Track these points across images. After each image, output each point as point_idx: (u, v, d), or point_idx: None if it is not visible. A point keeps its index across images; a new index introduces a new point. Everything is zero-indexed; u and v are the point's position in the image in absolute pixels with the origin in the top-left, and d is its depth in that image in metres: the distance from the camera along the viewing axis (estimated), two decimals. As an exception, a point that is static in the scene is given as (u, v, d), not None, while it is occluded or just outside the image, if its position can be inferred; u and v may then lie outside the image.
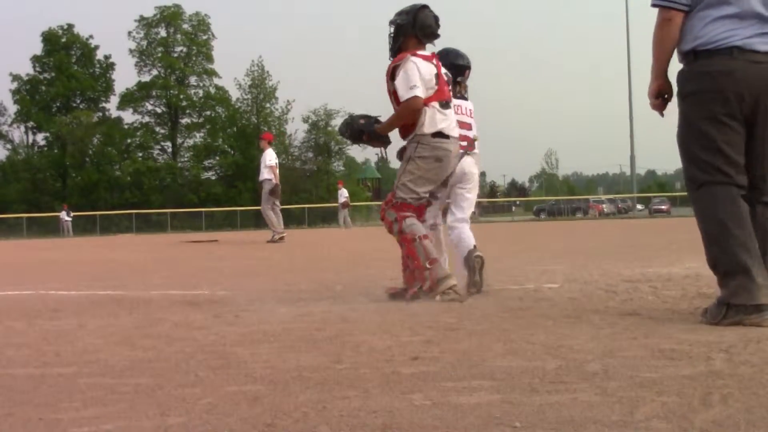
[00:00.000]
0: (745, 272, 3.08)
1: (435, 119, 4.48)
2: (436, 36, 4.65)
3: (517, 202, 69.13)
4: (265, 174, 14.54)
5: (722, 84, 3.19)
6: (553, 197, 57.85)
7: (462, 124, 4.91)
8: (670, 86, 3.44)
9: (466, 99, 5.17)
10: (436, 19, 4.63)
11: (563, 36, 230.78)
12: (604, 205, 49.64)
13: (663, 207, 48.32)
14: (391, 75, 4.57)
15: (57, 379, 2.52)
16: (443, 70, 4.63)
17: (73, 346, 3.21)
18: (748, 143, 3.27)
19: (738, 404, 1.94)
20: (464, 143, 4.94)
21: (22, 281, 7.42)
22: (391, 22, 4.65)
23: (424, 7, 4.63)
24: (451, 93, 4.71)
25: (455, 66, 5.02)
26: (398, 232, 4.43)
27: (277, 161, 14.86)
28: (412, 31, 4.55)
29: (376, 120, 4.75)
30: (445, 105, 4.54)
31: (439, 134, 4.49)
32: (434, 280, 4.27)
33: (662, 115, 3.50)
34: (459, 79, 5.07)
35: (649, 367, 2.41)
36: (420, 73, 4.43)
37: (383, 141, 4.78)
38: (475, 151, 5.13)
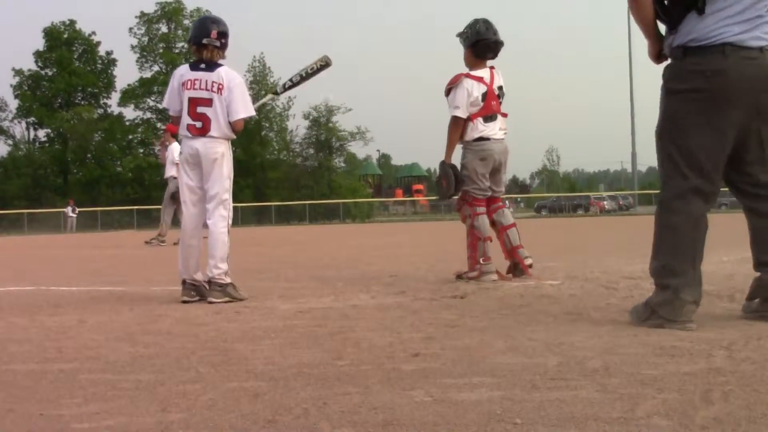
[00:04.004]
0: (675, 291, 3.09)
1: (476, 129, 5.34)
2: (493, 51, 5.36)
3: (519, 199, 69.05)
4: (172, 171, 12.60)
5: (715, 85, 3.08)
6: (554, 194, 57.74)
7: (200, 101, 4.64)
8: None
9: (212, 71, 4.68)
10: (494, 32, 5.31)
11: (564, 33, 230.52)
12: (605, 202, 49.49)
13: None
14: (447, 93, 5.44)
15: (58, 374, 2.53)
16: (497, 85, 5.39)
17: (74, 342, 3.22)
18: (749, 149, 3.18)
19: (739, 401, 1.94)
20: (198, 124, 4.64)
21: (24, 277, 7.42)
22: (458, 35, 5.44)
23: (482, 21, 5.35)
24: (499, 106, 5.41)
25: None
26: (470, 226, 5.38)
27: None
28: (470, 46, 5.34)
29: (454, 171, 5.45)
30: (488, 118, 5.36)
31: (481, 139, 5.34)
32: (481, 273, 5.26)
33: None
34: (205, 41, 4.66)
35: (650, 364, 2.41)
36: (467, 96, 5.30)
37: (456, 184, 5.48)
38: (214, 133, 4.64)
